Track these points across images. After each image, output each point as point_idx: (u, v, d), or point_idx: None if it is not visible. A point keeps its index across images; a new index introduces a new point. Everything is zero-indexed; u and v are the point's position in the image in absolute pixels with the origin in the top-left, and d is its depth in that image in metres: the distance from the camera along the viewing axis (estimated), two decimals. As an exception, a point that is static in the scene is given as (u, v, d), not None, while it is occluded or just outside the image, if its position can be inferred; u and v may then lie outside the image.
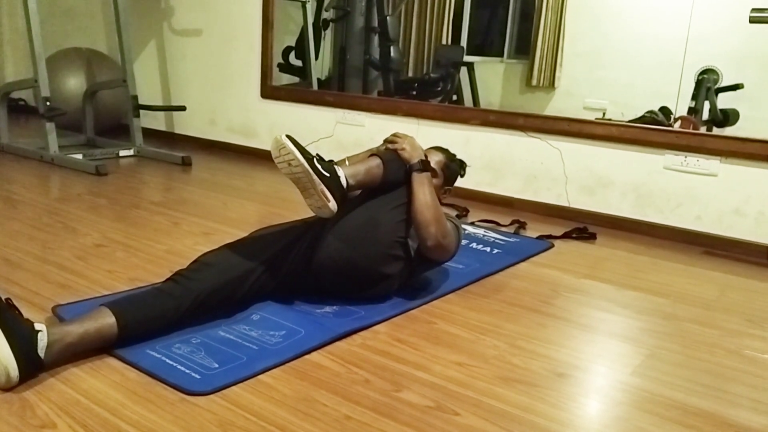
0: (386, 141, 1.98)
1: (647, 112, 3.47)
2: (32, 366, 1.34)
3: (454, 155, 2.22)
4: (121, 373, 1.41)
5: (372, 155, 1.91)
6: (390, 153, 1.92)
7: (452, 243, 1.95)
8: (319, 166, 1.71)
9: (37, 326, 1.37)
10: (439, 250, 1.90)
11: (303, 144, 1.74)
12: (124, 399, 1.32)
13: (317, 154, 1.74)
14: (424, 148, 2.05)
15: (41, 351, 1.35)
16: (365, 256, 1.82)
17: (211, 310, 1.67)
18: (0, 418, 1.23)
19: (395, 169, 1.88)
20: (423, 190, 1.87)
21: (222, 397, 1.35)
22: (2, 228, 2.41)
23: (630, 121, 3.35)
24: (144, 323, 1.53)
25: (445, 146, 2.25)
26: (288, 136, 1.69)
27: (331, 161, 1.78)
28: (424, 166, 1.91)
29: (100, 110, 4.31)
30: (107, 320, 1.46)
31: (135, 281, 1.96)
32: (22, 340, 1.32)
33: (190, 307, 1.59)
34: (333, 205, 1.71)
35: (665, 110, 3.50)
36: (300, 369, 1.50)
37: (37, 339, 1.34)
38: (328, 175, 1.71)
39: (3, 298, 1.36)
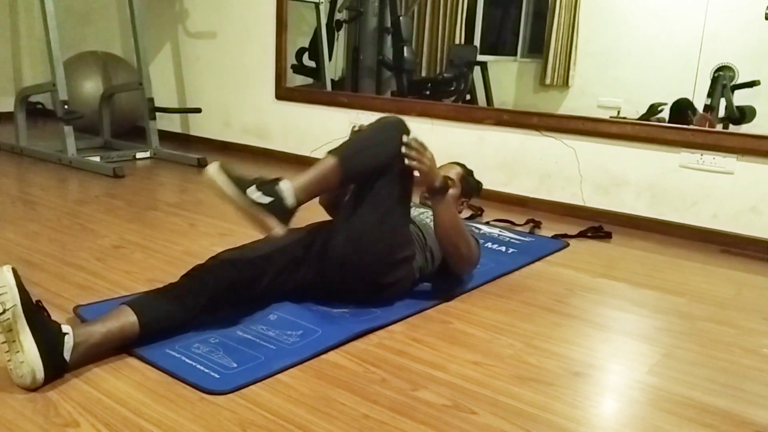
0: (406, 146, 1.78)
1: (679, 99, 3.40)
2: (58, 368, 1.37)
3: (471, 171, 2.26)
4: (142, 373, 1.43)
5: (327, 154, 1.74)
6: (351, 144, 1.79)
7: (476, 256, 2.01)
8: (254, 196, 1.57)
9: (64, 328, 1.39)
10: (467, 266, 2.00)
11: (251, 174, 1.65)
12: (145, 398, 1.34)
13: (257, 178, 1.62)
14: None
15: (67, 353, 1.38)
16: (370, 263, 1.79)
17: (228, 306, 1.69)
18: (24, 416, 1.26)
19: (358, 163, 1.75)
20: (450, 212, 1.87)
21: (241, 396, 1.37)
22: (22, 230, 2.45)
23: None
24: (164, 320, 1.56)
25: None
26: (222, 166, 1.56)
27: (275, 180, 1.64)
28: (446, 185, 1.85)
29: (117, 113, 4.36)
30: (129, 318, 1.49)
31: (153, 282, 1.98)
32: (50, 343, 1.35)
33: (207, 302, 1.61)
34: (278, 230, 1.60)
35: (685, 102, 3.45)
36: (318, 368, 1.52)
37: (63, 341, 1.37)
38: (266, 202, 1.58)
39: (34, 300, 1.38)
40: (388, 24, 4.58)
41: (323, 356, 1.57)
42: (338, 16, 4.71)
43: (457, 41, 4.83)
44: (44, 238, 2.36)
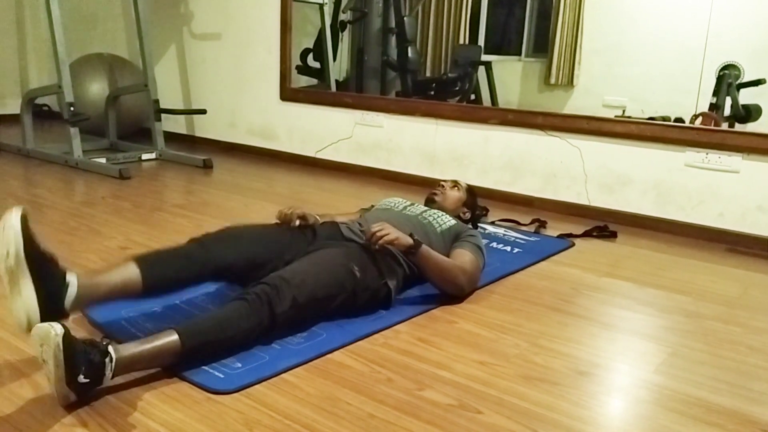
0: (368, 239, 1.80)
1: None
2: (55, 315, 1.36)
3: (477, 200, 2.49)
4: (148, 373, 1.44)
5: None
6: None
7: (477, 274, 2.04)
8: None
9: (68, 277, 1.42)
10: (474, 287, 2.05)
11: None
12: (151, 398, 1.35)
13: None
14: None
15: (67, 302, 1.40)
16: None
17: (229, 280, 1.78)
18: (33, 416, 1.27)
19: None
20: (433, 261, 1.88)
21: (247, 396, 1.38)
22: (30, 232, 2.46)
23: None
24: (165, 281, 1.61)
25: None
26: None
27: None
28: (417, 242, 1.83)
29: (123, 115, 4.37)
30: (133, 274, 1.53)
31: (160, 283, 1.99)
32: (50, 291, 1.37)
33: (208, 275, 1.70)
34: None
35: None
36: (323, 368, 1.52)
37: (66, 290, 1.40)
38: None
39: (47, 252, 1.40)
40: (393, 24, 4.58)
41: (329, 356, 1.58)
42: (342, 16, 4.72)
43: (461, 41, 4.83)
44: (51, 240, 2.37)
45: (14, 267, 1.32)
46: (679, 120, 3.31)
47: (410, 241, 1.82)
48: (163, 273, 1.61)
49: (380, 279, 1.84)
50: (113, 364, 1.31)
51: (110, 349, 1.32)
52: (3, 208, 1.39)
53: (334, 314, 1.75)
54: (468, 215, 2.40)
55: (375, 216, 2.07)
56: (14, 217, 1.35)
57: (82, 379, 1.26)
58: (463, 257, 1.98)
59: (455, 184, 2.41)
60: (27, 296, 1.34)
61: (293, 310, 1.59)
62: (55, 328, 1.23)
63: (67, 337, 1.23)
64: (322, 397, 1.40)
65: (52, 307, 1.37)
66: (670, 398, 1.48)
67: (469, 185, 2.48)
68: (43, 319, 1.34)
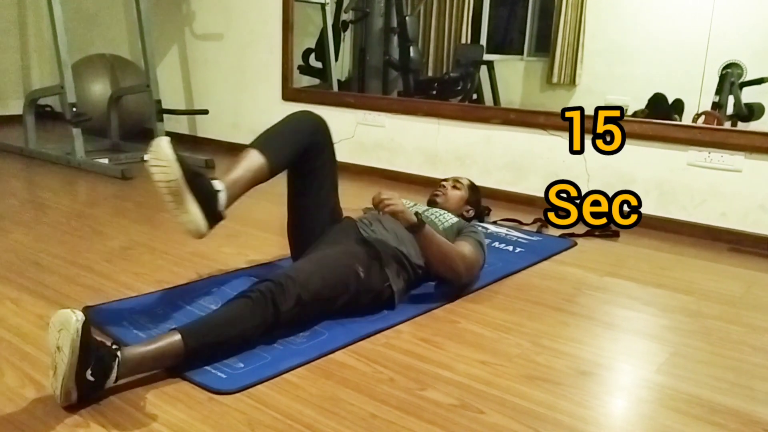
0: (376, 203, 1.83)
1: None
2: (215, 220, 1.63)
3: (478, 188, 2.47)
4: (151, 373, 1.44)
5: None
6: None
7: (479, 263, 2.04)
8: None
9: (217, 185, 1.64)
10: (472, 278, 2.04)
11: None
12: (153, 398, 1.35)
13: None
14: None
15: (221, 206, 1.64)
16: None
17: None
18: (35, 417, 1.27)
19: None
20: (435, 243, 1.87)
21: (249, 396, 1.38)
22: (33, 232, 2.47)
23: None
24: (286, 157, 1.86)
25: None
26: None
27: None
28: (421, 221, 1.84)
29: (125, 115, 4.37)
30: (259, 160, 1.75)
31: (162, 283, 2.00)
32: (208, 202, 1.60)
33: (308, 144, 1.89)
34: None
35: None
36: (325, 368, 1.52)
37: (218, 198, 1.63)
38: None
39: (197, 170, 1.61)
40: (395, 24, 4.58)
41: (331, 356, 1.58)
42: (344, 16, 4.72)
43: (463, 41, 4.83)
44: (54, 240, 2.38)
45: (178, 190, 1.55)
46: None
47: (414, 218, 1.83)
48: (281, 150, 1.82)
49: (384, 282, 1.84)
50: (117, 369, 1.32)
51: (119, 353, 1.33)
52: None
53: (337, 314, 1.76)
54: (472, 213, 2.39)
55: (375, 215, 2.07)
56: (165, 145, 1.55)
57: (89, 375, 1.27)
58: (464, 247, 1.98)
59: (456, 182, 2.41)
60: (193, 212, 1.57)
61: (297, 309, 1.60)
62: (77, 315, 1.26)
63: (86, 325, 1.26)
64: (324, 397, 1.40)
65: (211, 214, 1.61)
66: (672, 398, 1.48)
67: (470, 182, 2.47)
68: (208, 226, 1.59)
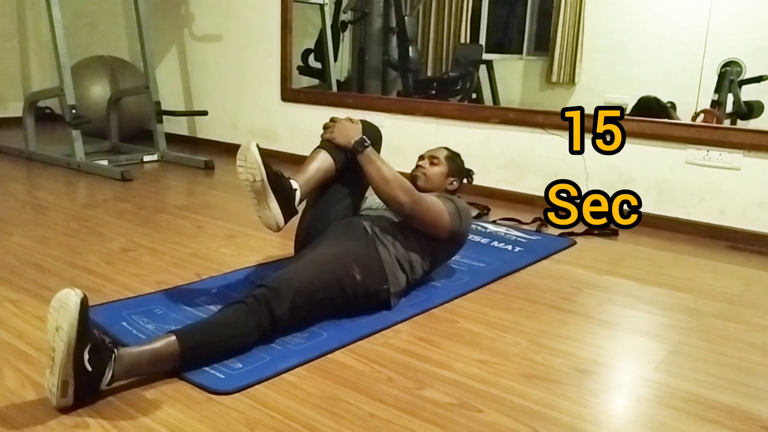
0: (324, 128, 2.00)
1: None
2: (291, 215, 1.79)
3: (458, 153, 2.26)
4: (149, 374, 1.44)
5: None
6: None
7: (439, 213, 1.95)
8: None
9: (293, 184, 1.81)
10: (422, 217, 1.93)
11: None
12: (152, 398, 1.35)
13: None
14: (439, 145, 2.07)
15: (297, 202, 1.80)
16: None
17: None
18: (35, 418, 1.27)
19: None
20: (374, 167, 1.91)
21: (248, 396, 1.38)
22: (33, 234, 2.47)
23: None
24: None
25: (465, 145, 2.27)
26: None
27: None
28: (363, 142, 1.93)
29: (124, 117, 4.38)
30: (328, 161, 1.90)
31: (161, 284, 2.00)
32: (286, 200, 1.77)
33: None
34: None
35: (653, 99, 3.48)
36: (324, 368, 1.53)
37: (294, 196, 1.79)
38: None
39: (278, 170, 1.77)
40: (393, 24, 4.58)
41: (329, 356, 1.58)
42: (343, 17, 4.72)
43: (462, 40, 4.83)
44: (54, 242, 2.38)
45: (261, 189, 1.72)
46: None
47: (350, 142, 1.92)
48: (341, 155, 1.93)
49: (383, 283, 1.84)
50: (113, 366, 1.32)
51: (116, 349, 1.34)
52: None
53: (335, 314, 1.76)
54: (456, 184, 2.20)
55: (378, 209, 2.06)
56: (254, 149, 1.72)
57: (86, 361, 1.27)
58: (425, 195, 1.96)
59: (432, 158, 2.20)
60: (273, 209, 1.74)
61: (292, 312, 1.60)
62: (76, 291, 1.28)
63: (85, 301, 1.29)
64: (322, 396, 1.40)
65: (288, 210, 1.77)
66: (670, 396, 1.48)
67: (448, 150, 2.25)
68: (285, 222, 1.76)
